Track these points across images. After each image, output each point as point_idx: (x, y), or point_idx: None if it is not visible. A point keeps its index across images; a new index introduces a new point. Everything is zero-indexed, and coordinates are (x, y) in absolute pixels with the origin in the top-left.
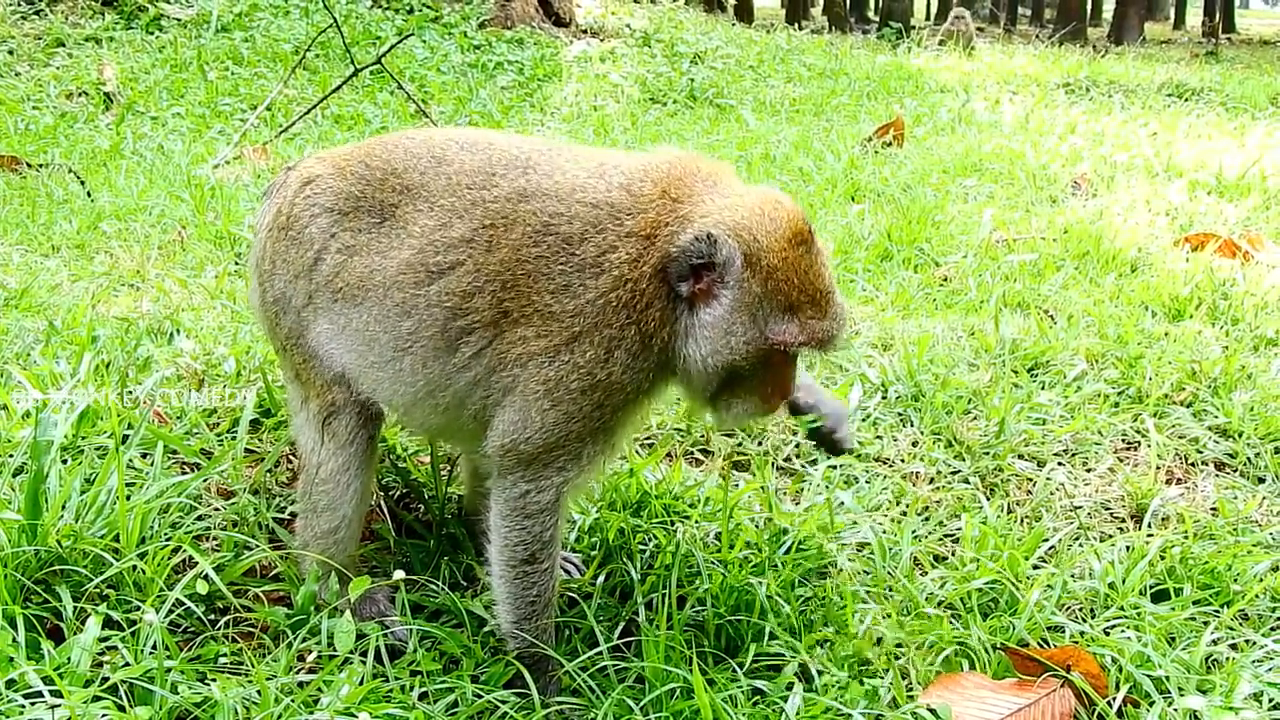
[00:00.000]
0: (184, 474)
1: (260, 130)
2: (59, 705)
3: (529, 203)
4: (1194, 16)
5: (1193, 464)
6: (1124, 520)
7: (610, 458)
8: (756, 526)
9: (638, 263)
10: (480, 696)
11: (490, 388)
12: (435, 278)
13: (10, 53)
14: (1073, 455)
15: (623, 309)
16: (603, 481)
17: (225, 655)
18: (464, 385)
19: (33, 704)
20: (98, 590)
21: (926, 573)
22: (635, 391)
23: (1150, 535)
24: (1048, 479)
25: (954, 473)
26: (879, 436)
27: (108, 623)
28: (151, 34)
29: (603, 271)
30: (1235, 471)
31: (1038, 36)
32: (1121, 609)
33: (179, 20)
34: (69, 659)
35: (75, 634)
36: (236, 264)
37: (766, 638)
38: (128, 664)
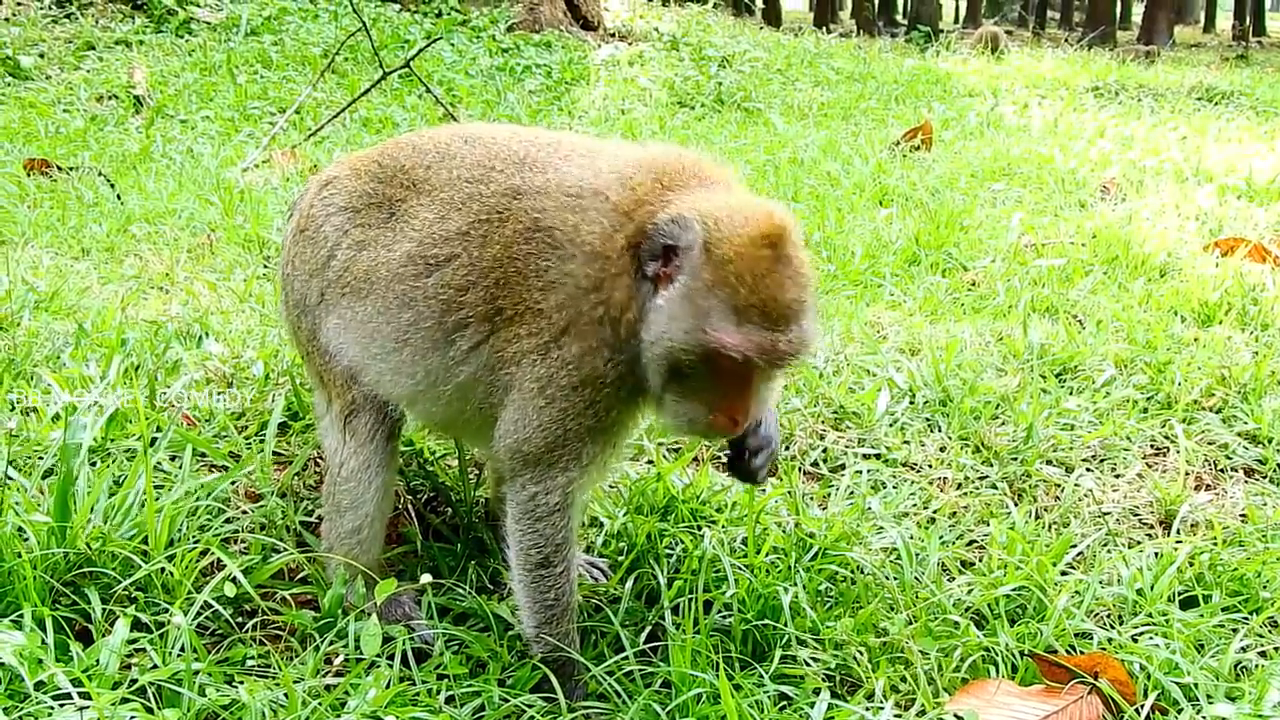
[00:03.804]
0: (212, 476)
1: (289, 133)
2: (87, 707)
3: (520, 200)
4: (1224, 20)
5: (1222, 470)
6: (1152, 526)
7: (614, 459)
8: (784, 531)
9: (612, 236)
10: (507, 700)
11: (492, 385)
12: (432, 270)
13: (41, 56)
14: (1101, 461)
15: (593, 289)
16: (630, 486)
17: (253, 658)
18: (465, 379)
19: (61, 706)
20: (126, 592)
21: (954, 578)
22: (622, 387)
23: (1179, 542)
24: (1076, 485)
25: (981, 478)
26: (906, 442)
27: (136, 625)
28: (181, 37)
29: (579, 250)
30: (1265, 478)
31: (1066, 40)
32: (1150, 616)
33: (209, 24)
34: (97, 661)
35: (104, 636)
36: (265, 267)
37: (793, 643)
38: (156, 666)
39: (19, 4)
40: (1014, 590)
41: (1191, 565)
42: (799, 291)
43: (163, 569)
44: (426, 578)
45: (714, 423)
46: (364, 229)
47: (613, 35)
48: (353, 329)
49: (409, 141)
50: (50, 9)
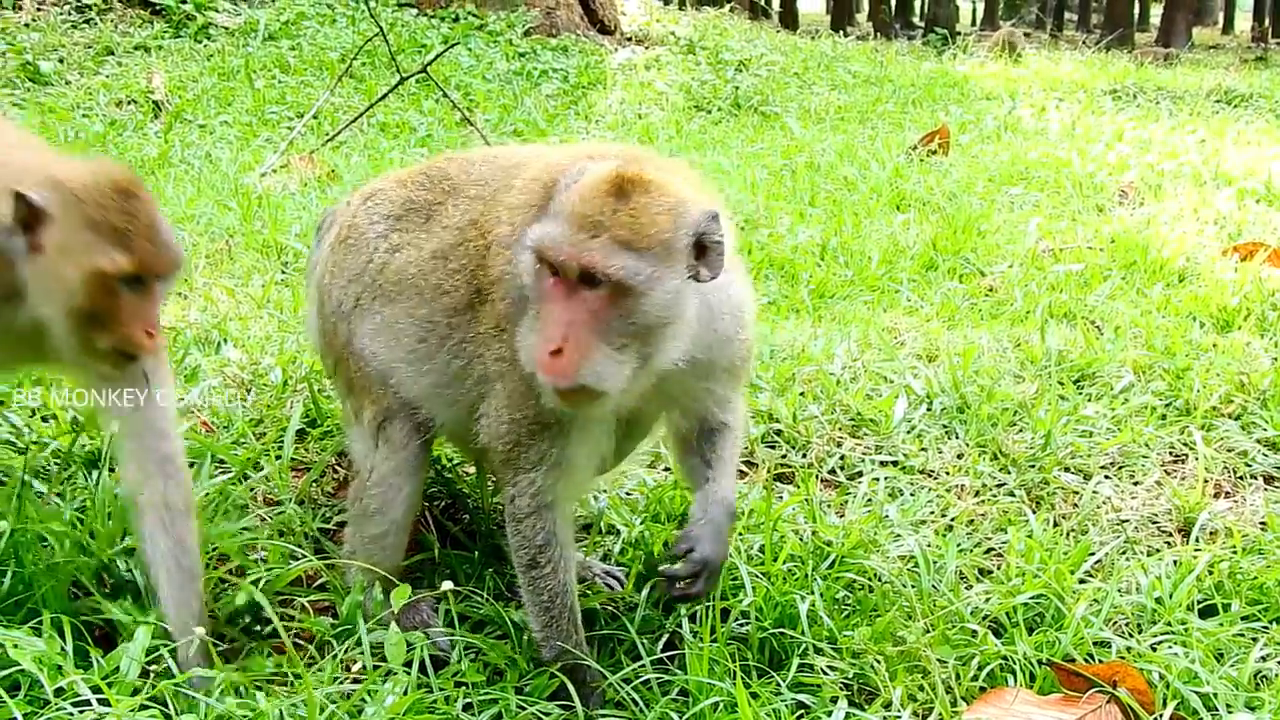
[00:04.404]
0: (229, 481)
1: (307, 138)
2: (107, 714)
3: (518, 176)
4: (1243, 21)
5: (1241, 477)
6: (1171, 534)
7: (579, 461)
8: (801, 539)
9: (537, 177)
10: (524, 708)
11: (473, 376)
12: (446, 261)
13: (61, 61)
14: (1119, 468)
15: (509, 209)
16: (647, 494)
17: (271, 665)
18: (457, 371)
19: (81, 712)
20: (148, 599)
21: (971, 587)
22: None
23: (1198, 550)
24: (1094, 492)
25: (999, 485)
26: (924, 449)
27: (156, 631)
28: (200, 42)
29: (516, 182)
30: None
31: (1084, 42)
32: (1169, 624)
33: (227, 29)
34: (118, 667)
35: (125, 642)
36: (283, 273)
37: (811, 652)
38: (174, 673)
39: (39, 9)
40: (1032, 598)
41: (1211, 573)
42: (613, 216)
43: None
44: (446, 585)
45: (537, 357)
46: (401, 233)
47: (629, 39)
48: (384, 331)
49: (459, 155)
50: (69, 14)
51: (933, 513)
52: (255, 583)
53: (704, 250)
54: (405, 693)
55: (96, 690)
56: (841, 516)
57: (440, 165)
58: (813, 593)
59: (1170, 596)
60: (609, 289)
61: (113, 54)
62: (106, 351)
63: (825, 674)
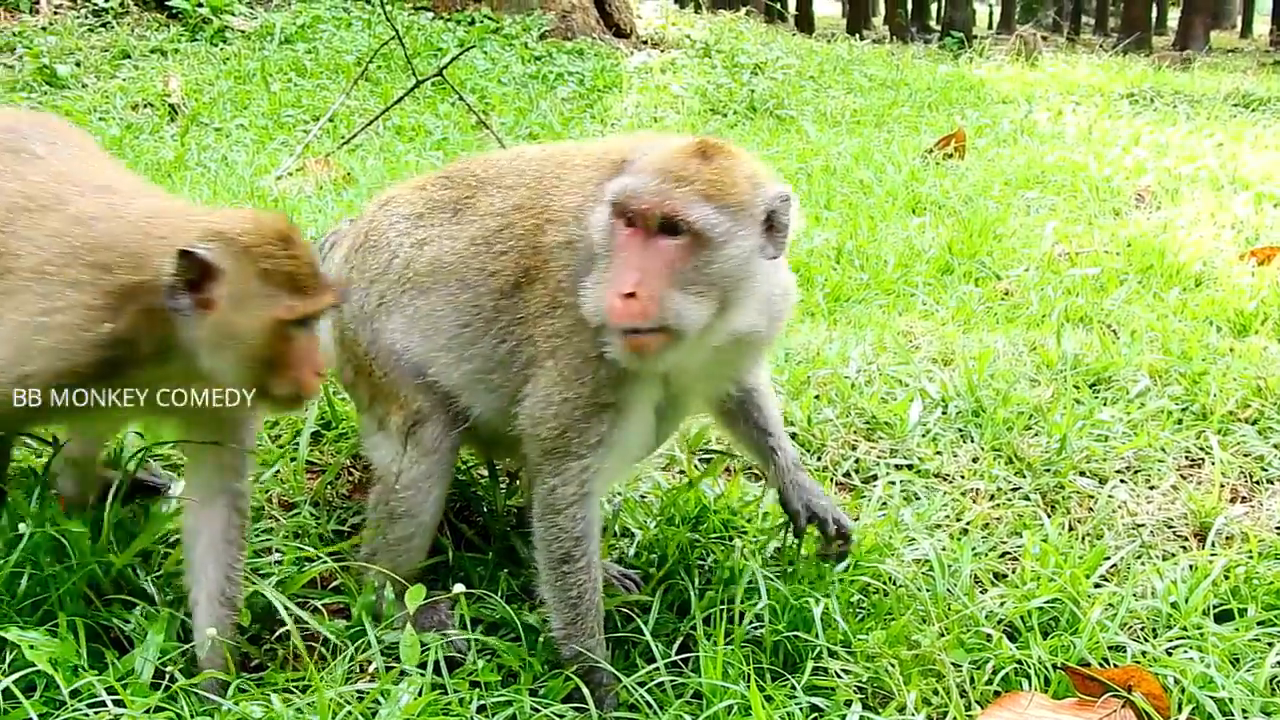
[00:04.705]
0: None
1: (323, 141)
2: (122, 714)
3: (570, 159)
4: (1262, 24)
5: (1258, 482)
6: (1187, 539)
7: (629, 444)
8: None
9: (599, 157)
10: (539, 710)
11: (520, 359)
12: (490, 245)
13: (78, 64)
14: (1135, 472)
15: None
16: (661, 496)
17: (286, 666)
18: (505, 353)
19: (96, 712)
20: (166, 599)
21: (986, 591)
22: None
23: (1214, 554)
24: (1110, 496)
25: (1014, 490)
26: (939, 452)
27: (170, 633)
28: (216, 46)
29: (586, 162)
30: None
31: (1101, 46)
32: (1184, 629)
33: (243, 32)
34: (133, 669)
35: (141, 643)
36: None
37: (825, 655)
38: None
39: (56, 13)
40: (1047, 602)
41: (1227, 578)
42: (697, 172)
43: None
44: (459, 587)
45: (608, 302)
46: (427, 228)
47: (645, 42)
48: (418, 324)
49: (481, 156)
50: (86, 18)
51: (947, 516)
52: (268, 591)
53: (772, 228)
54: (420, 693)
55: (111, 691)
56: (856, 520)
57: (461, 165)
58: (827, 596)
59: (1186, 601)
60: (687, 237)
61: (129, 57)
62: (278, 397)
63: (839, 677)
